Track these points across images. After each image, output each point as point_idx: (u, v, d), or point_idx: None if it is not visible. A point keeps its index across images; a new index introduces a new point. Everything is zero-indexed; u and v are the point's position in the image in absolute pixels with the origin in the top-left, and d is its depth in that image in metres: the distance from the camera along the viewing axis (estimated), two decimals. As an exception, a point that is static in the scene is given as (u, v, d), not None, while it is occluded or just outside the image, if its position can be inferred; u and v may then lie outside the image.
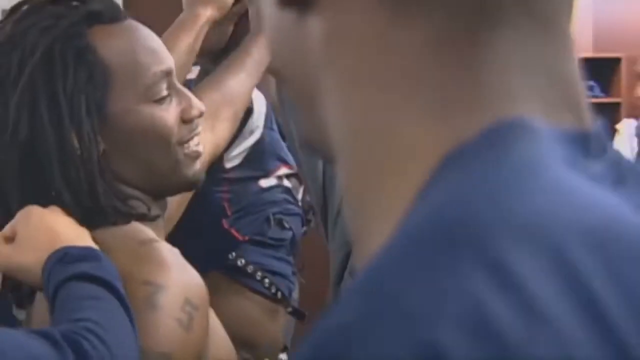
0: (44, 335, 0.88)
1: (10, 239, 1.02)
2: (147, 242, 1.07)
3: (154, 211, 1.16)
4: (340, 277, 1.56)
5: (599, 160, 0.40)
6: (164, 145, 1.13)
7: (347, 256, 1.55)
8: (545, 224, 0.34)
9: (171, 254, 1.08)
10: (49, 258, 0.98)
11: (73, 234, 1.02)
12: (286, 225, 1.78)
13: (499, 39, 0.38)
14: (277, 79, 0.47)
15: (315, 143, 0.46)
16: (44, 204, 1.06)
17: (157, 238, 1.10)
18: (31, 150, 1.06)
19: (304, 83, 0.44)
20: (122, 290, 0.97)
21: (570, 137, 0.39)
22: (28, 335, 0.89)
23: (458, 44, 0.38)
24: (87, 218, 1.08)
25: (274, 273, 1.76)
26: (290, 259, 1.83)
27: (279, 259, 1.79)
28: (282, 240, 1.79)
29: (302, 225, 1.86)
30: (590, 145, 0.39)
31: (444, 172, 0.37)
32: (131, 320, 0.96)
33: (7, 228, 1.03)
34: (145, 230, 1.11)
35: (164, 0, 2.19)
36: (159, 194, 1.17)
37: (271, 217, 1.76)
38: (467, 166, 0.36)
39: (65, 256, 0.98)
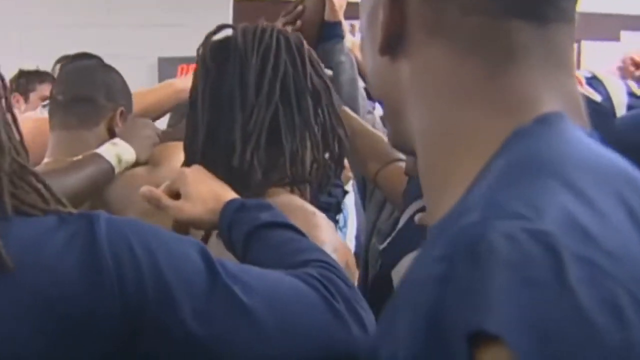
0: (305, 280, 0.86)
1: (171, 196, 1.11)
2: (316, 213, 1.21)
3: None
4: (370, 238, 1.98)
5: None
6: None
7: (376, 221, 1.97)
8: (595, 165, 0.50)
9: (328, 222, 1.24)
10: (225, 209, 1.04)
11: (228, 191, 1.09)
12: (332, 193, 2.22)
13: (532, 69, 0.53)
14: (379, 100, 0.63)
15: (400, 143, 0.62)
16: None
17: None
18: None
19: (394, 103, 0.59)
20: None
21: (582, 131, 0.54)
22: (293, 275, 0.87)
23: (506, 76, 0.53)
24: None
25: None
26: (336, 219, 2.27)
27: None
28: (329, 204, 2.22)
29: (343, 195, 2.30)
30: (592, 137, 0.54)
31: (512, 142, 0.50)
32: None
33: (164, 187, 1.12)
34: (304, 201, 1.25)
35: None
36: None
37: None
38: (531, 136, 0.50)
39: (243, 206, 1.03)
